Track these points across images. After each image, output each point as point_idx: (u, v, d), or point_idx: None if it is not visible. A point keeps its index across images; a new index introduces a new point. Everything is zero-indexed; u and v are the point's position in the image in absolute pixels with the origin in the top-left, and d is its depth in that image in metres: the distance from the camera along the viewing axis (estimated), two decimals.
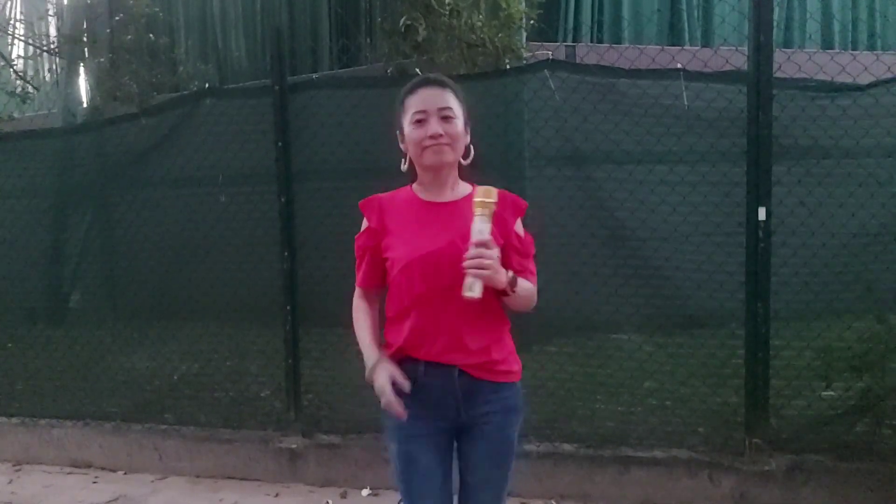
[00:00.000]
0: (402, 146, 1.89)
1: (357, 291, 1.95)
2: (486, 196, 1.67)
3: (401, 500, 1.95)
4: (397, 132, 1.89)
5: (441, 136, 1.76)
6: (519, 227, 1.89)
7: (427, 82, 1.83)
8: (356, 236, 1.91)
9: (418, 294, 1.77)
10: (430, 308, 1.77)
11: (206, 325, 4.26)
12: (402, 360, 1.83)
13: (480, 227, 1.66)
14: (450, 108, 1.79)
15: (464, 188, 1.89)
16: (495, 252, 1.68)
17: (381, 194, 1.91)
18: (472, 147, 1.88)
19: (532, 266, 1.89)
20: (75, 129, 5.54)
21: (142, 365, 4.43)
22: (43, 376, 4.41)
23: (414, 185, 1.91)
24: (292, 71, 6.68)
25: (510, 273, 1.74)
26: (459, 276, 1.67)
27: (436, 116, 1.77)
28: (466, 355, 1.79)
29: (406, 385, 1.75)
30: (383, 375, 1.75)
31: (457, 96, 1.83)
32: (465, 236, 1.72)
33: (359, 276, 1.92)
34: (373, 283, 1.90)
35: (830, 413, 3.28)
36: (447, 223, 1.79)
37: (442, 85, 1.82)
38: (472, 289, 1.65)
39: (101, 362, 4.38)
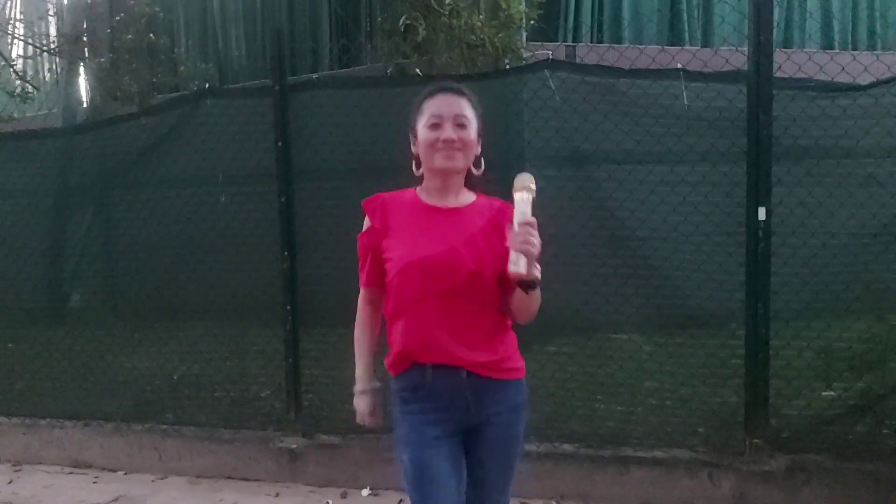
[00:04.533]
0: (413, 149, 1.89)
1: (362, 294, 1.96)
2: (528, 181, 1.68)
3: (401, 501, 1.97)
4: (410, 135, 1.90)
5: (454, 140, 1.78)
6: None
7: (446, 89, 1.85)
8: (359, 235, 1.91)
9: (415, 297, 1.77)
10: (428, 311, 1.77)
11: (206, 326, 4.25)
12: (409, 366, 1.82)
13: (523, 210, 1.67)
14: (465, 116, 1.81)
15: (468, 196, 1.90)
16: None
17: (384, 193, 1.91)
18: (482, 159, 1.89)
19: None
20: (75, 129, 5.53)
21: (142, 365, 4.43)
22: (43, 376, 4.41)
23: (418, 189, 1.91)
24: (292, 71, 6.67)
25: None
26: (457, 281, 1.74)
27: (451, 122, 1.79)
28: (472, 355, 1.78)
29: (375, 421, 1.94)
30: (363, 405, 1.94)
31: (472, 106, 1.86)
32: (466, 243, 1.77)
33: (362, 276, 1.92)
34: (378, 282, 1.88)
35: (830, 413, 3.28)
36: (449, 229, 1.80)
37: (460, 93, 1.85)
38: (518, 263, 1.63)
39: (102, 362, 4.37)
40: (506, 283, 1.80)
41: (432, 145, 1.79)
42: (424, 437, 1.80)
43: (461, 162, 1.81)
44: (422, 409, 1.81)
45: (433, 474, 1.79)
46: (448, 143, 1.78)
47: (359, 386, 1.94)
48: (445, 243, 1.77)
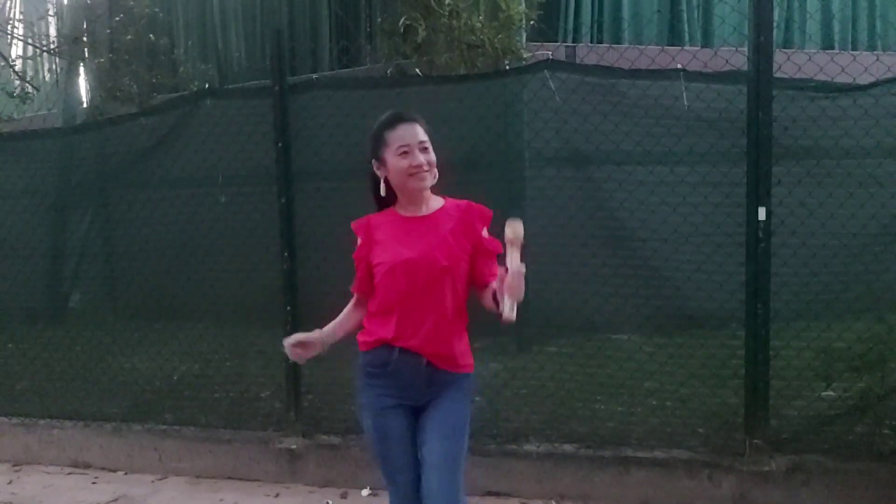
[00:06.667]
0: (377, 172, 2.14)
1: (353, 298, 2.27)
2: (518, 231, 1.84)
3: None
4: (373, 161, 2.13)
5: (423, 164, 2.06)
6: (485, 232, 2.15)
7: (403, 119, 2.11)
8: (355, 252, 2.19)
9: (400, 293, 2.06)
10: (410, 305, 2.06)
11: (206, 326, 4.25)
12: (379, 346, 2.11)
13: (516, 258, 1.83)
14: (426, 141, 2.09)
15: (437, 202, 2.17)
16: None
17: (370, 215, 2.21)
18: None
19: (496, 267, 2.09)
20: (75, 129, 5.53)
21: (142, 365, 4.43)
22: (43, 376, 4.41)
23: (395, 206, 2.18)
24: (292, 71, 6.67)
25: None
26: (434, 278, 2.04)
27: (417, 149, 2.06)
28: (435, 348, 2.07)
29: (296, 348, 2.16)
30: (296, 337, 2.18)
31: (425, 128, 2.12)
32: (439, 245, 2.06)
33: (354, 283, 2.23)
34: (365, 290, 2.20)
35: (830, 413, 3.29)
36: (423, 234, 2.09)
37: (416, 120, 2.11)
38: (513, 310, 1.82)
39: (101, 362, 4.37)
40: (477, 280, 2.11)
41: (406, 171, 2.06)
42: (383, 405, 2.12)
43: (430, 181, 2.09)
44: (384, 384, 2.11)
45: (389, 434, 2.13)
46: (419, 167, 2.05)
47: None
48: (422, 246, 2.06)
